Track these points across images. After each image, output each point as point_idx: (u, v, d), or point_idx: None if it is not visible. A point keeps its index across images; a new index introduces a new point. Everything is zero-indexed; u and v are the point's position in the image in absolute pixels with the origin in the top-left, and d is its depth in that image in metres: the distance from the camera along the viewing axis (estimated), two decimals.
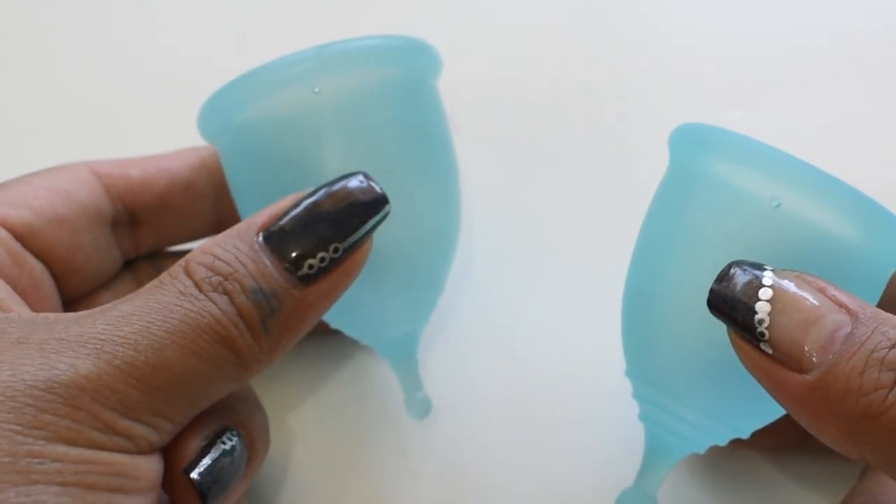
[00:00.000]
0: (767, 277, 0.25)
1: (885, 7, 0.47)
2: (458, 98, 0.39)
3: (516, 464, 0.36)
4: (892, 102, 0.44)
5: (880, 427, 0.23)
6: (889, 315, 0.25)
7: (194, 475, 0.28)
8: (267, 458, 0.32)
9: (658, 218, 0.31)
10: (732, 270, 0.26)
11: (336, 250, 0.28)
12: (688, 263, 0.29)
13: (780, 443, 0.34)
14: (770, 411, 0.30)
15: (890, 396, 0.23)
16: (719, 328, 0.26)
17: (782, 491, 0.35)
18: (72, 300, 0.34)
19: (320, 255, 0.28)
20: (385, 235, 0.29)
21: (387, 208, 0.29)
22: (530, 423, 0.36)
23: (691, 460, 0.35)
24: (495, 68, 0.46)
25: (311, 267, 0.28)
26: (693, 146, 0.30)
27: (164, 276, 0.28)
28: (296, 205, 0.28)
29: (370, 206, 0.28)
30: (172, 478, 0.28)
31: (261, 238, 0.28)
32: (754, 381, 0.26)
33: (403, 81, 0.32)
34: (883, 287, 0.29)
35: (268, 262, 0.28)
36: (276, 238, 0.28)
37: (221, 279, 0.27)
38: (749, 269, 0.26)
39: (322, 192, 0.28)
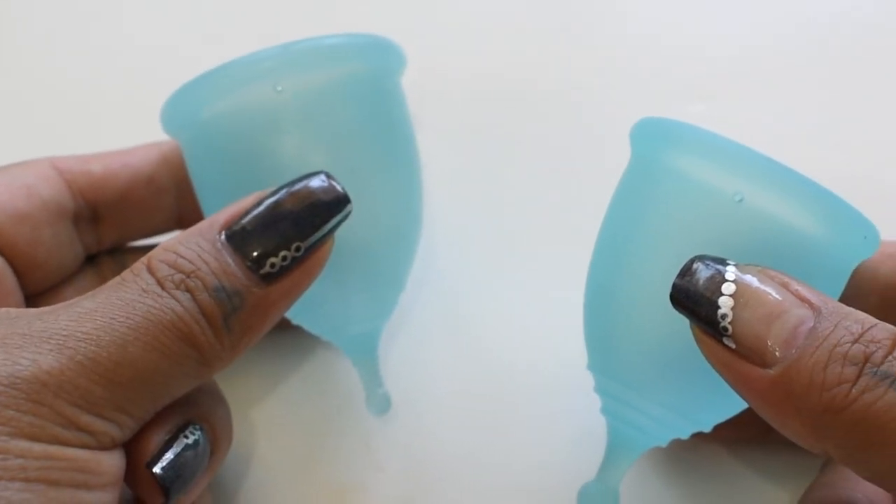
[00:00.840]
0: (730, 272, 0.26)
1: (843, 1, 0.48)
2: (421, 92, 0.39)
3: (479, 458, 0.36)
4: (851, 96, 0.44)
5: (843, 421, 0.23)
6: (851, 310, 0.25)
7: (157, 469, 0.28)
8: (230, 451, 0.32)
9: (619, 211, 0.31)
10: (695, 265, 0.26)
11: (298, 249, 0.28)
12: (649, 257, 0.29)
13: (742, 436, 0.35)
14: (732, 405, 0.30)
15: (853, 391, 0.23)
16: (681, 322, 0.26)
17: (744, 484, 0.35)
18: (34, 295, 0.34)
19: (282, 253, 0.28)
20: (347, 233, 0.30)
21: (348, 208, 0.29)
22: (493, 417, 0.37)
23: (653, 453, 0.35)
24: (457, 62, 0.46)
25: (272, 266, 0.28)
26: (655, 140, 0.30)
27: (126, 273, 0.28)
28: (258, 203, 0.29)
29: (332, 206, 0.29)
30: (135, 472, 0.28)
31: (223, 236, 0.28)
32: (716, 375, 0.26)
33: (366, 79, 0.32)
34: (845, 281, 0.29)
35: (230, 261, 0.28)
36: (238, 236, 0.28)
37: (184, 277, 0.27)
38: (711, 263, 0.26)
39: (284, 191, 0.29)
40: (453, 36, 0.48)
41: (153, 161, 0.35)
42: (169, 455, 0.28)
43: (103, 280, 0.36)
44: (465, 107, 0.45)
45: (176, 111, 0.33)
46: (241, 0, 0.50)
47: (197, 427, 0.29)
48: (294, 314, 0.34)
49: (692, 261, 0.26)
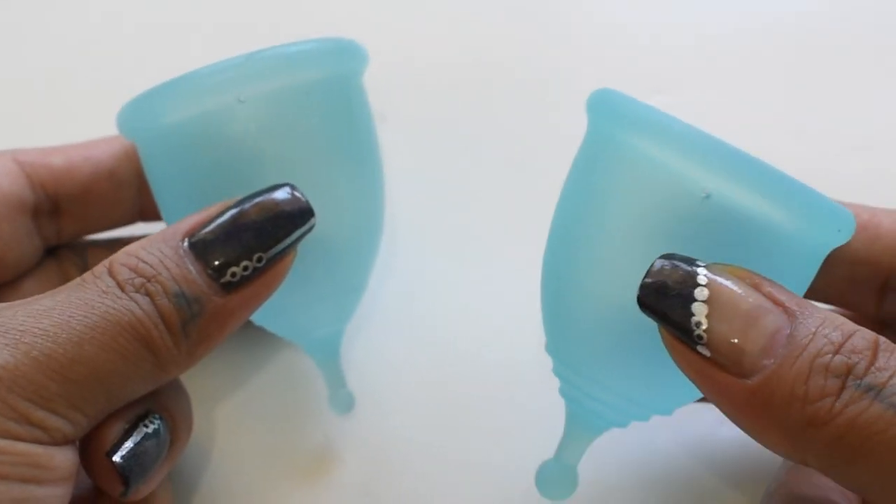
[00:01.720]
0: (702, 276, 0.25)
1: None
2: (382, 86, 0.39)
3: (440, 446, 0.36)
4: (808, 87, 0.44)
5: (827, 434, 0.23)
6: (827, 313, 0.25)
7: (116, 458, 0.28)
8: (190, 443, 0.32)
9: (574, 195, 0.30)
10: (664, 266, 0.25)
11: (259, 260, 0.28)
12: (602, 242, 0.28)
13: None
14: (689, 394, 0.29)
15: (837, 404, 0.23)
16: (635, 312, 0.26)
17: (704, 471, 0.35)
18: None
19: (244, 263, 0.28)
20: (311, 240, 0.30)
21: (312, 221, 0.29)
22: (453, 406, 0.37)
23: (613, 433, 0.35)
24: (417, 55, 0.46)
25: (233, 275, 0.28)
26: (613, 121, 0.28)
27: (87, 275, 0.28)
28: (222, 213, 0.29)
29: (295, 218, 0.29)
30: (94, 461, 0.28)
31: (186, 243, 0.28)
32: (672, 367, 0.26)
33: (329, 86, 0.32)
34: (817, 269, 0.28)
35: (191, 268, 0.28)
36: (200, 244, 0.28)
37: (144, 281, 0.27)
38: (681, 264, 0.25)
39: (248, 201, 0.29)
40: (413, 29, 0.48)
41: (115, 154, 0.35)
42: (128, 444, 0.28)
43: (64, 272, 0.36)
44: (426, 99, 0.45)
45: (134, 117, 0.32)
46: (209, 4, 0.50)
47: (156, 416, 0.30)
48: (257, 318, 0.34)
49: (660, 260, 0.25)
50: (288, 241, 0.29)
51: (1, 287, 0.34)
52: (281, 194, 0.29)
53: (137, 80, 0.33)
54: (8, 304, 0.27)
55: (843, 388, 0.23)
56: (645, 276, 0.25)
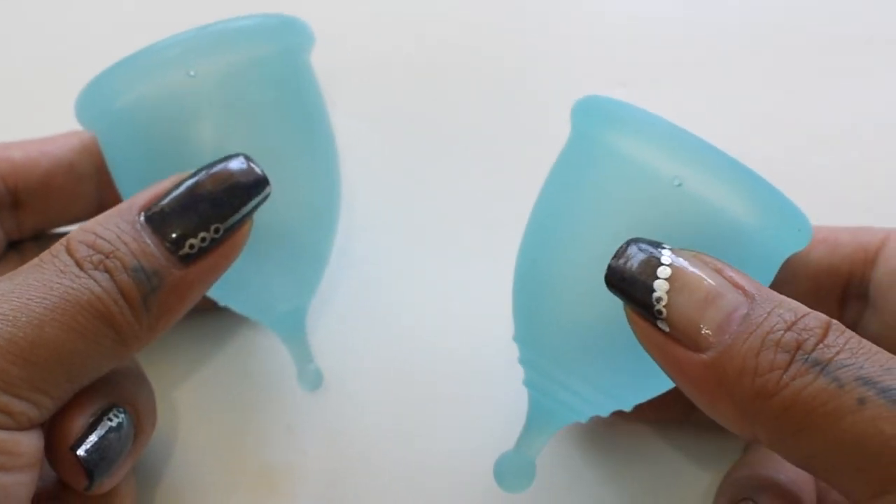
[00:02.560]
0: (666, 256, 0.26)
1: None
2: (335, 71, 0.39)
3: (402, 434, 0.36)
4: (771, 83, 0.44)
5: (774, 406, 0.24)
6: (784, 298, 0.25)
7: (81, 452, 0.28)
8: (154, 434, 0.32)
9: (557, 187, 0.31)
10: (630, 248, 0.26)
11: (217, 230, 0.29)
12: (583, 234, 0.29)
13: (662, 417, 0.35)
14: (654, 386, 0.30)
15: (785, 377, 0.24)
16: (609, 300, 0.27)
17: (664, 463, 0.35)
18: None
19: (201, 235, 0.28)
20: (267, 213, 0.30)
21: (267, 189, 0.29)
22: (417, 395, 0.37)
23: (574, 429, 0.36)
24: (370, 40, 0.46)
25: (191, 246, 0.28)
26: (596, 118, 0.30)
27: (44, 254, 0.28)
28: (177, 185, 0.29)
29: (251, 188, 0.29)
30: (59, 455, 0.28)
31: (142, 217, 0.28)
32: (640, 355, 0.27)
33: (277, 60, 0.33)
34: (776, 270, 0.30)
35: (149, 241, 0.28)
36: (157, 218, 0.28)
37: (103, 257, 0.27)
38: (647, 246, 0.26)
39: (203, 173, 0.29)
40: (363, 14, 0.47)
41: (74, 148, 0.35)
42: (93, 438, 0.28)
43: None
44: (380, 85, 0.45)
45: (90, 103, 0.33)
46: None
47: (121, 410, 0.30)
48: (221, 296, 0.34)
49: (627, 243, 0.26)
50: (244, 210, 0.29)
51: None
52: (235, 164, 0.29)
53: (91, 69, 0.33)
54: None
55: (791, 362, 0.24)
56: (612, 258, 0.26)
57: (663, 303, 0.25)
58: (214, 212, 0.29)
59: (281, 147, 0.32)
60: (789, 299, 0.25)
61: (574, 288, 0.29)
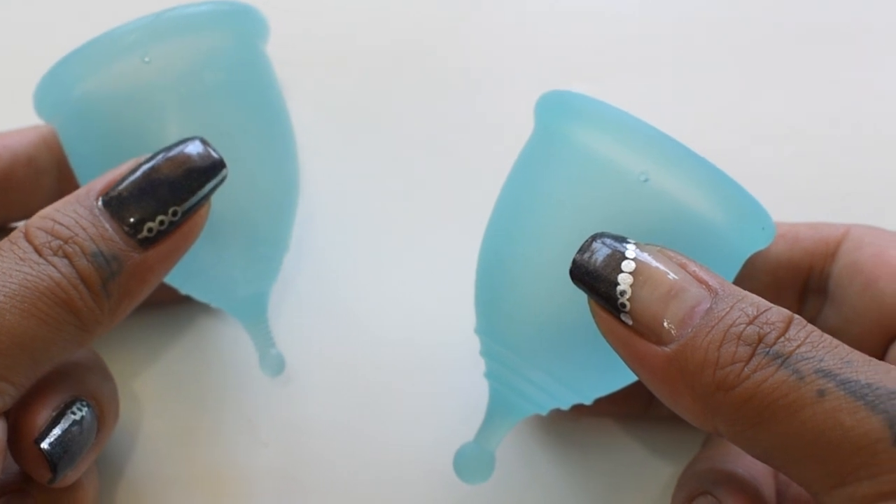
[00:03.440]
0: (630, 250, 0.26)
1: None
2: (293, 63, 0.39)
3: (362, 425, 0.36)
4: (731, 77, 0.44)
5: (734, 399, 0.24)
6: (747, 293, 0.26)
7: (44, 445, 0.28)
8: (116, 427, 0.32)
9: (521, 181, 0.31)
10: (595, 242, 0.26)
11: (175, 214, 0.29)
12: (547, 227, 0.29)
13: (622, 410, 0.35)
14: (616, 379, 0.31)
15: (746, 369, 0.24)
16: (573, 293, 0.27)
17: (624, 455, 0.36)
18: None
19: (159, 218, 0.29)
20: (225, 197, 0.30)
21: (224, 172, 0.30)
22: (377, 385, 0.37)
23: (534, 421, 0.36)
24: (329, 32, 0.46)
25: (150, 230, 0.28)
26: (562, 114, 0.30)
27: (3, 242, 0.28)
28: (135, 169, 0.29)
29: (208, 171, 0.29)
30: (23, 448, 0.28)
31: (100, 202, 0.28)
32: (602, 348, 0.27)
33: (233, 46, 0.33)
34: (739, 267, 0.30)
35: (108, 226, 0.28)
36: (115, 202, 0.28)
37: (61, 243, 0.27)
38: (612, 241, 0.26)
39: (160, 156, 0.29)
40: (322, 6, 0.47)
41: (32, 142, 0.35)
42: (56, 431, 0.28)
43: None
44: (339, 74, 0.44)
45: (47, 93, 0.33)
46: None
47: (84, 403, 0.30)
48: (181, 283, 0.34)
49: (592, 238, 0.27)
50: (201, 193, 0.29)
51: None
52: (192, 148, 0.29)
53: (49, 62, 0.33)
54: None
55: (752, 355, 0.24)
56: (577, 252, 0.27)
57: (627, 296, 0.26)
58: (172, 195, 0.29)
59: (237, 132, 0.33)
60: (752, 294, 0.26)
61: (537, 281, 0.30)
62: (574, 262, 0.27)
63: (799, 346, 0.24)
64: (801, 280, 0.32)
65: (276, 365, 0.35)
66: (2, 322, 0.26)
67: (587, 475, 0.35)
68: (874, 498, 0.23)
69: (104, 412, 0.31)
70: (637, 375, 0.27)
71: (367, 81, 0.44)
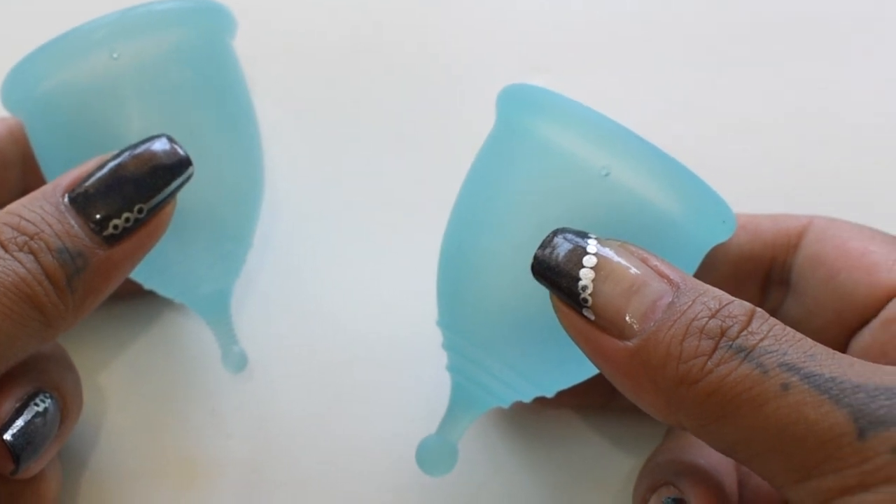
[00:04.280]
0: (591, 245, 0.26)
1: None
2: (258, 58, 0.39)
3: (325, 418, 0.36)
4: (688, 69, 0.44)
5: (697, 393, 0.24)
6: (709, 287, 0.26)
7: (7, 437, 0.28)
8: (81, 419, 0.33)
9: (483, 174, 0.31)
10: (556, 237, 0.26)
11: (140, 211, 0.29)
12: (509, 220, 0.29)
13: (584, 402, 0.35)
14: (577, 372, 0.31)
15: (709, 363, 0.24)
16: (534, 287, 0.27)
17: (586, 447, 0.36)
18: None
19: (125, 215, 0.29)
20: (190, 194, 0.30)
21: (190, 170, 0.30)
22: (340, 377, 0.37)
23: (496, 414, 0.36)
24: (293, 27, 0.46)
25: (115, 227, 0.29)
26: (524, 108, 0.30)
27: None
28: (101, 166, 0.29)
29: (174, 168, 0.29)
30: None
31: (67, 199, 0.29)
32: (564, 342, 0.27)
33: (200, 42, 0.33)
34: (700, 260, 0.30)
35: (73, 223, 0.28)
36: (81, 199, 0.29)
37: (27, 239, 0.27)
38: (573, 236, 0.26)
39: (126, 154, 0.29)
40: (286, 1, 0.47)
41: None
42: (19, 422, 0.29)
43: None
44: (302, 70, 0.44)
45: (14, 87, 0.33)
46: None
47: (47, 395, 0.30)
48: (145, 278, 0.34)
49: (554, 233, 0.27)
50: (167, 191, 0.29)
51: None
52: (158, 145, 0.29)
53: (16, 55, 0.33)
54: None
55: (715, 348, 0.24)
56: (538, 247, 0.27)
57: (588, 291, 0.26)
58: (138, 192, 0.29)
59: (203, 129, 0.33)
60: (714, 288, 0.26)
61: (498, 274, 0.30)
62: (535, 257, 0.27)
63: (762, 340, 0.24)
64: (762, 272, 0.33)
65: (238, 362, 0.35)
66: None
67: (549, 467, 0.36)
68: (838, 492, 0.23)
69: (67, 404, 0.31)
70: (600, 370, 0.27)
71: (331, 77, 0.44)
